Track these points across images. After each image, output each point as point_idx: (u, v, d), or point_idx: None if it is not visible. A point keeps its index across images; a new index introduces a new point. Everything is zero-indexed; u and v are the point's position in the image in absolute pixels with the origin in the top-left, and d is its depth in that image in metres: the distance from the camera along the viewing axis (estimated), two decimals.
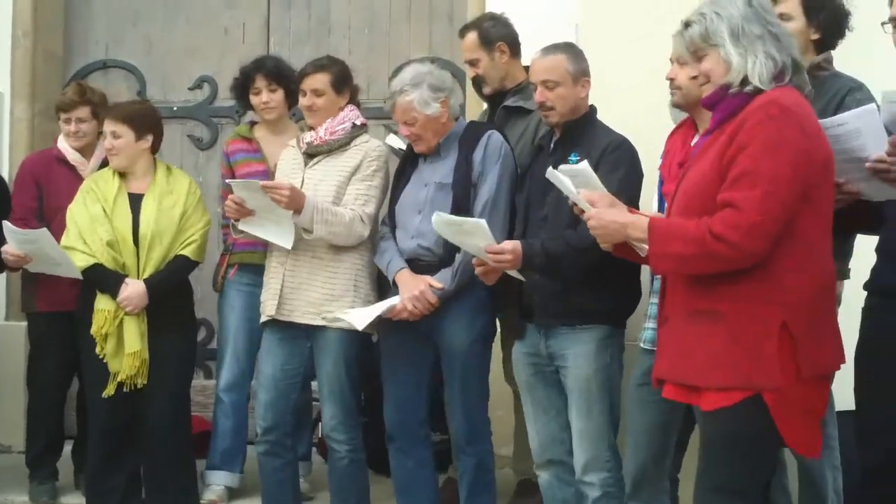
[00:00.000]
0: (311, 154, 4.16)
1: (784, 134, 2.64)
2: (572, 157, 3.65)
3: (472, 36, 4.34)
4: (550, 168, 3.13)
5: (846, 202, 3.01)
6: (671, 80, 3.46)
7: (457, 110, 4.04)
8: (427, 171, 4.00)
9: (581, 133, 3.74)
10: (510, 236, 3.82)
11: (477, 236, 3.60)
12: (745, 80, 2.73)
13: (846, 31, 3.51)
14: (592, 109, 3.82)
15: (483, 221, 3.59)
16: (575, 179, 3.05)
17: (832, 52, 3.53)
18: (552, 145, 3.80)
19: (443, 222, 3.67)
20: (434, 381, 4.08)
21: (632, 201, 3.57)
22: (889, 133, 2.97)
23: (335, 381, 4.05)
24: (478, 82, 4.33)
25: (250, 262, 4.57)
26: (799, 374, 2.66)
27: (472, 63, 4.33)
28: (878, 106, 3.06)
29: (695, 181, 2.78)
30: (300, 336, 4.09)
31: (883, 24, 3.22)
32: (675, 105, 3.53)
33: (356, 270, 4.06)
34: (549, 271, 3.61)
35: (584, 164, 3.09)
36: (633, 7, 4.51)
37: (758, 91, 2.71)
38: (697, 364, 2.72)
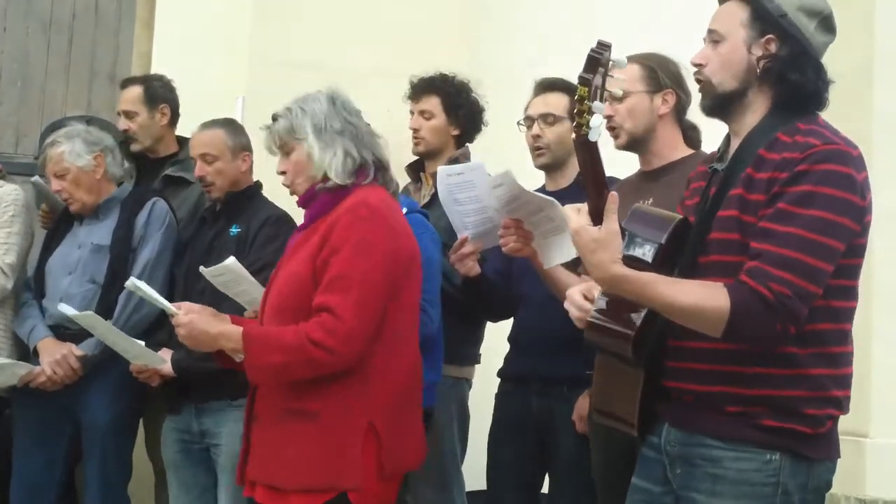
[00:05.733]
0: None
1: (374, 236, 2.69)
2: (233, 229, 3.68)
3: (136, 89, 4.31)
4: (131, 279, 3.13)
5: (473, 263, 3.13)
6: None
7: (117, 172, 3.94)
8: (83, 233, 3.86)
9: (244, 206, 3.76)
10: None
11: (129, 352, 3.59)
12: (326, 176, 2.78)
13: (482, 125, 3.77)
14: (257, 184, 3.85)
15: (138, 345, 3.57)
16: (222, 277, 2.99)
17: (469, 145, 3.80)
18: (215, 216, 3.78)
19: (101, 325, 3.55)
20: (70, 461, 3.86)
21: None
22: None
23: None
24: (126, 137, 4.24)
25: None
26: (381, 473, 2.67)
27: (129, 115, 4.27)
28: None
29: (287, 281, 2.76)
30: None
31: (518, 122, 3.48)
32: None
33: None
34: (205, 370, 3.53)
35: (232, 260, 3.03)
36: (299, 84, 4.58)
37: (343, 188, 2.76)
38: (285, 465, 2.67)
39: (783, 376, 2.20)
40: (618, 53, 2.13)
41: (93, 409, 3.74)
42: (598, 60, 2.09)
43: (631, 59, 3.00)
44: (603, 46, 2.11)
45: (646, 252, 2.21)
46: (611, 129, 3.02)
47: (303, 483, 2.66)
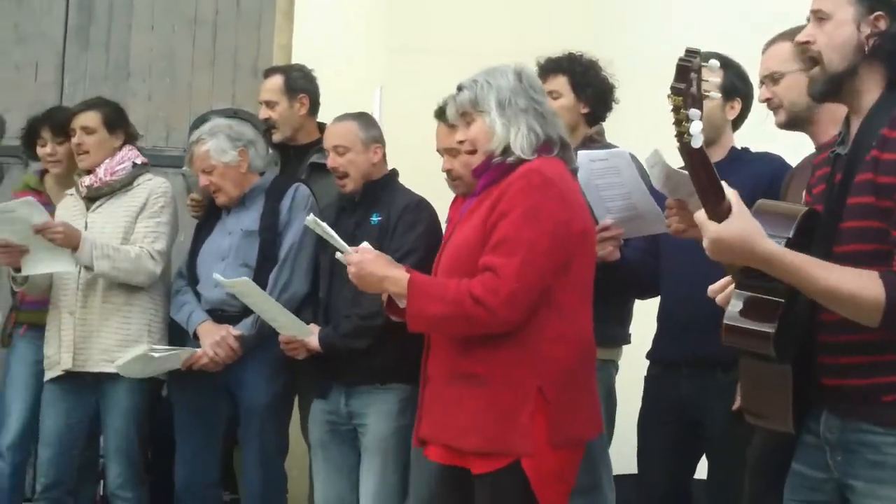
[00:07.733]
0: (91, 198, 4.08)
1: (545, 204, 2.70)
2: (374, 218, 3.75)
3: (277, 79, 4.39)
4: (311, 216, 3.15)
5: (614, 248, 3.13)
6: (448, 171, 3.57)
7: (259, 164, 4.04)
8: (231, 221, 3.99)
9: (381, 194, 3.82)
10: (314, 289, 3.87)
11: (279, 321, 3.68)
12: (507, 150, 2.80)
13: (612, 104, 3.75)
14: (393, 172, 3.91)
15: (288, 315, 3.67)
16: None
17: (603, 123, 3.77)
18: (354, 206, 3.85)
19: (254, 292, 3.66)
20: (228, 439, 4.01)
21: (430, 256, 3.67)
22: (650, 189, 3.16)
23: (123, 437, 3.95)
24: (268, 126, 4.33)
25: (40, 322, 4.25)
26: (551, 440, 2.68)
27: (269, 105, 4.35)
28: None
29: (459, 244, 2.83)
30: (87, 388, 3.97)
31: (669, 95, 3.43)
32: (462, 195, 3.60)
33: (150, 315, 4.00)
34: (350, 348, 3.69)
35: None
36: (436, 71, 4.64)
37: (521, 161, 2.78)
38: (457, 426, 2.73)
39: None
40: (708, 58, 2.11)
41: (251, 388, 3.87)
42: (688, 69, 2.08)
43: (782, 36, 2.97)
44: (691, 53, 2.09)
45: None
46: (772, 108, 2.99)
47: (474, 444, 2.70)
